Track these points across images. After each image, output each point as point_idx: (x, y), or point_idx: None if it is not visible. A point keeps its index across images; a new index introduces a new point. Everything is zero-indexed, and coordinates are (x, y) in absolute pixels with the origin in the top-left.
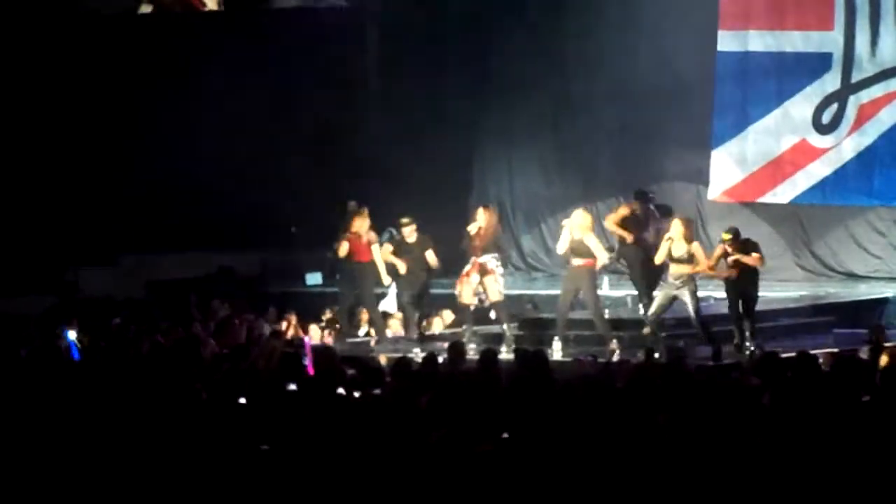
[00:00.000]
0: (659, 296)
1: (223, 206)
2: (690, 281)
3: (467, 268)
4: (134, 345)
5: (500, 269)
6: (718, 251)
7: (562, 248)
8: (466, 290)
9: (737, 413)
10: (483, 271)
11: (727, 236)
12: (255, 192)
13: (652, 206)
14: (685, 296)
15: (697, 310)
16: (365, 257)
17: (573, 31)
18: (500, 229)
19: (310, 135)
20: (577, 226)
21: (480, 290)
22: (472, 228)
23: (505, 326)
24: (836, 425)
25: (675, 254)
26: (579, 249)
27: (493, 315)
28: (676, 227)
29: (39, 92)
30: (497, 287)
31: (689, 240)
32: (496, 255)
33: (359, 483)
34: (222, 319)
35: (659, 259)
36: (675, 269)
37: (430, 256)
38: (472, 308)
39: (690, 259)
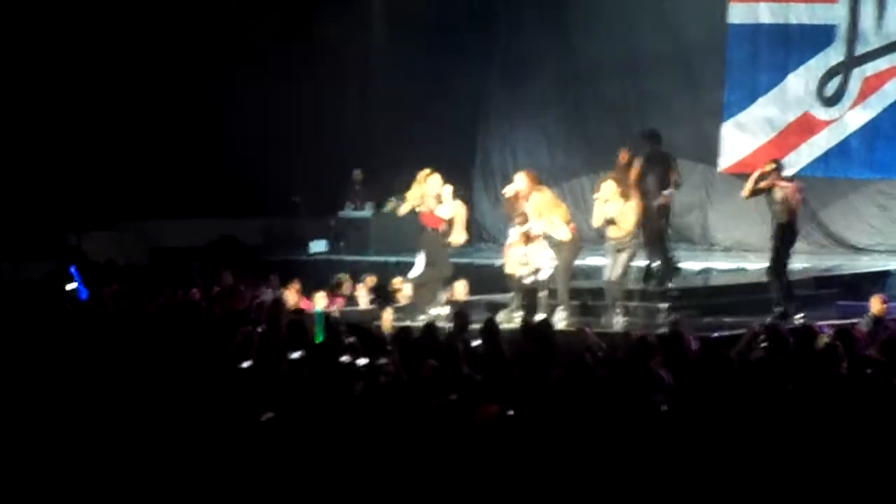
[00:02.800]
0: (611, 259)
1: (227, 173)
2: (630, 243)
3: (511, 239)
4: (135, 309)
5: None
6: (755, 176)
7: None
8: (511, 262)
9: (739, 387)
10: (527, 239)
11: (772, 165)
12: (259, 160)
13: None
14: (620, 257)
15: (623, 274)
16: (431, 223)
17: (580, 4)
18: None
19: (312, 102)
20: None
21: (527, 260)
22: (507, 191)
23: (540, 295)
24: (836, 399)
25: (609, 215)
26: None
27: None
28: (609, 188)
29: (44, 59)
30: (540, 253)
31: (625, 198)
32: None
33: (360, 451)
34: (227, 286)
35: (596, 222)
36: (613, 230)
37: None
38: (520, 278)
39: (622, 218)
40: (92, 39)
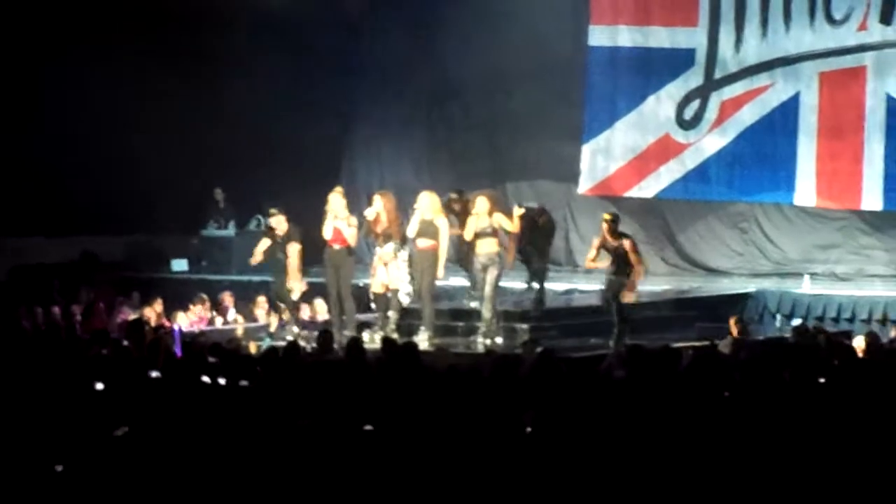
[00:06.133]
0: (481, 278)
1: (88, 190)
2: (498, 261)
3: (373, 263)
4: None
5: (404, 255)
6: (596, 241)
7: (412, 230)
8: (375, 282)
9: (602, 405)
10: (384, 261)
11: (608, 216)
12: (120, 176)
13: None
14: (490, 274)
15: (493, 292)
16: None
17: (448, 22)
18: (400, 216)
19: (173, 118)
20: (426, 207)
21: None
22: (368, 214)
23: (391, 313)
24: (698, 420)
25: (479, 228)
26: (427, 231)
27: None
28: (482, 204)
29: None
30: (399, 274)
31: (491, 214)
32: (397, 242)
33: (223, 468)
34: (87, 305)
35: (468, 236)
36: (482, 246)
37: (292, 252)
38: (386, 295)
39: (494, 233)
40: None
